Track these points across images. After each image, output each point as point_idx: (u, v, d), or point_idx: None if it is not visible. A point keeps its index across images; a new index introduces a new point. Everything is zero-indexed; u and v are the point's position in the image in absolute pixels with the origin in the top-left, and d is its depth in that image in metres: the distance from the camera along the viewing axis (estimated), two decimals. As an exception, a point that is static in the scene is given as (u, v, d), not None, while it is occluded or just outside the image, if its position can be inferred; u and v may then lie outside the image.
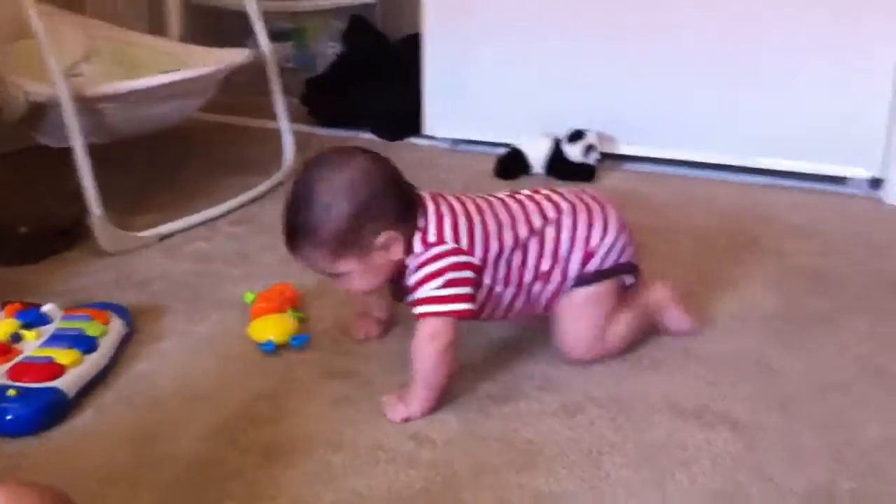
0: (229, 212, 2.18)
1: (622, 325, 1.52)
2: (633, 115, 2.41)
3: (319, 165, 1.41)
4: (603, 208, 1.52)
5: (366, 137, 2.73)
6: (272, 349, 1.57)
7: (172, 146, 2.57)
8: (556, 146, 2.38)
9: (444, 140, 2.65)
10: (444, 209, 1.44)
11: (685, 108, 2.35)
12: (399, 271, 1.43)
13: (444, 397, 1.43)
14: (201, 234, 2.07)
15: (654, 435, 1.35)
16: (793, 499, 1.22)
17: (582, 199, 1.52)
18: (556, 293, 1.50)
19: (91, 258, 1.95)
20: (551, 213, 1.49)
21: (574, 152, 2.35)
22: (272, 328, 1.59)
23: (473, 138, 2.61)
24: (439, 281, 1.39)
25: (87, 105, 2.01)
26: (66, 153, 2.04)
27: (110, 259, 1.94)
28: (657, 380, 1.49)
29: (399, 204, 1.40)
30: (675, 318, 1.59)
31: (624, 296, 1.54)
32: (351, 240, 1.37)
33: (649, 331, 1.58)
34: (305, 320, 1.66)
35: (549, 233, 1.48)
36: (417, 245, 1.41)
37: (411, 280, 1.42)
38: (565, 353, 1.52)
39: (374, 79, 2.83)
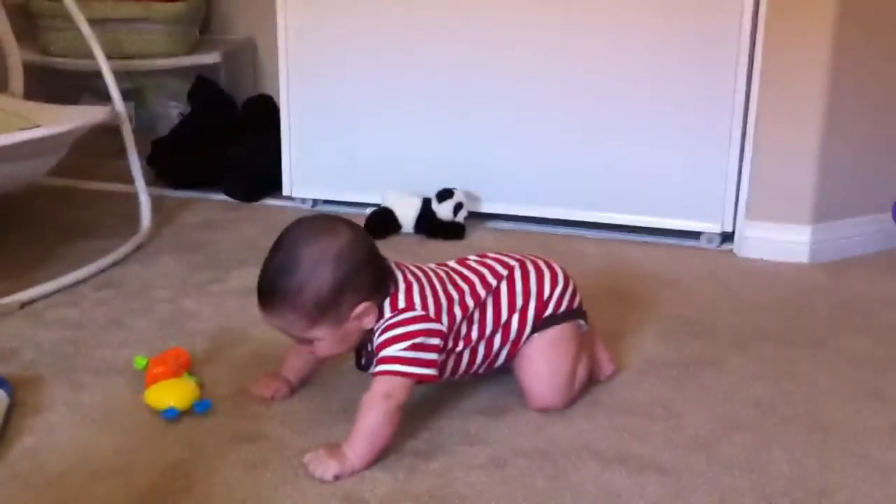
0: (90, 276, 2.05)
1: (583, 370, 1.56)
2: (494, 174, 2.45)
3: (306, 231, 1.41)
4: (546, 263, 1.58)
5: (219, 199, 2.66)
6: (175, 415, 1.48)
7: (16, 210, 2.41)
8: (425, 205, 2.39)
9: (304, 201, 2.61)
10: (412, 278, 1.46)
11: (544, 166, 2.41)
12: (366, 338, 1.44)
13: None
14: (65, 300, 1.94)
15: (585, 484, 1.36)
16: (731, 536, 1.25)
17: (525, 258, 1.58)
18: (516, 343, 1.52)
19: (-57, 328, 1.79)
20: (502, 271, 1.53)
21: (443, 211, 2.37)
22: (172, 394, 1.50)
23: (334, 198, 2.59)
24: (406, 343, 1.40)
25: (-66, 164, 1.87)
26: None
27: (-34, 328, 1.79)
28: (574, 429, 1.50)
29: (376, 276, 1.42)
30: (602, 359, 1.64)
31: (581, 340, 1.57)
32: (330, 309, 1.38)
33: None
34: (202, 385, 1.58)
35: (504, 288, 1.52)
36: (387, 310, 1.42)
37: (377, 341, 1.42)
38: (534, 401, 1.53)
39: (223, 139, 2.76)
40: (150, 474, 1.35)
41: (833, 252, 2.27)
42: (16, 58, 2.41)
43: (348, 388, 1.58)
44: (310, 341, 1.44)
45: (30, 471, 1.35)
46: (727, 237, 2.36)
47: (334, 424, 1.49)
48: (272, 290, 1.39)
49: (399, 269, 1.48)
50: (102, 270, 2.09)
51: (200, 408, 1.50)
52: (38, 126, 2.01)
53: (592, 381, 1.62)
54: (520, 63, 2.37)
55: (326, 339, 1.42)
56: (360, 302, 1.40)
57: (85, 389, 1.58)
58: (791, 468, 1.41)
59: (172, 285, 2.03)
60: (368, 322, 1.42)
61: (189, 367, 1.60)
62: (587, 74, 2.34)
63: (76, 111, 2.22)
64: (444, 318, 1.45)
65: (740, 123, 2.27)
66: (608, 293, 2.02)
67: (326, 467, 1.35)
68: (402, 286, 1.44)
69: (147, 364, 1.58)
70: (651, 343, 1.81)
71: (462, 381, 1.58)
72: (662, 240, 2.38)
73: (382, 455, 1.40)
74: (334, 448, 1.38)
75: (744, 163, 2.29)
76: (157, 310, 1.91)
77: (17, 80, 2.40)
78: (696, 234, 2.38)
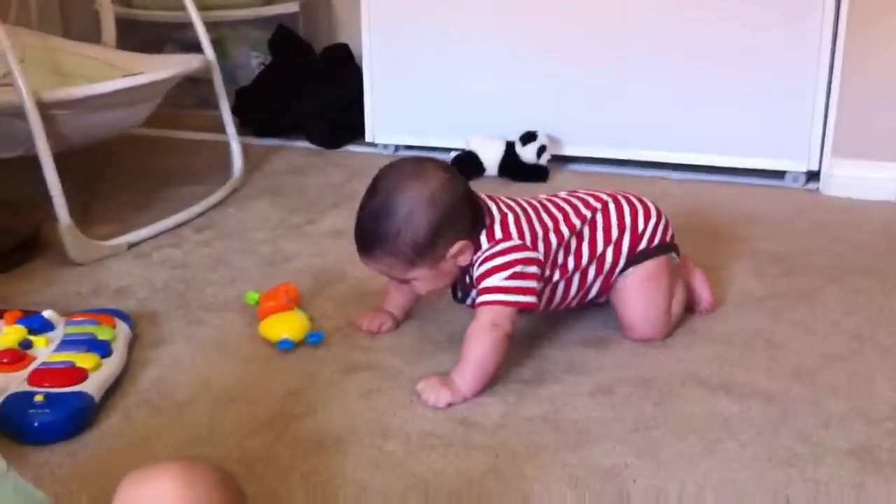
0: (190, 219, 2.12)
1: (677, 303, 1.59)
2: (578, 117, 2.47)
3: (398, 175, 1.44)
4: (638, 198, 1.60)
5: (301, 146, 2.72)
6: (290, 347, 1.54)
7: (112, 158, 2.48)
8: (508, 148, 2.41)
9: (386, 146, 2.65)
10: (506, 209, 1.49)
11: (626, 108, 2.43)
12: (463, 272, 1.47)
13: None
14: (169, 242, 2.01)
15: (691, 409, 1.39)
16: (840, 456, 1.28)
17: (617, 193, 1.60)
18: (609, 277, 1.55)
19: (58, 268, 1.87)
20: (596, 204, 1.56)
21: (527, 154, 2.40)
22: (286, 326, 1.56)
23: (415, 144, 2.62)
24: (506, 273, 1.43)
25: (42, 112, 1.93)
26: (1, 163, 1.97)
27: (79, 269, 1.86)
28: (675, 359, 1.53)
29: (471, 214, 1.45)
30: (702, 289, 1.67)
31: (675, 273, 1.59)
32: (427, 250, 1.42)
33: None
34: (311, 319, 1.63)
35: (599, 219, 1.55)
36: (484, 242, 1.45)
37: (477, 272, 1.45)
38: (633, 333, 1.57)
39: (305, 87, 2.81)
40: (272, 401, 1.41)
41: (921, 189, 2.27)
42: (108, 9, 2.47)
43: (449, 321, 1.63)
44: (408, 281, 1.48)
45: (158, 398, 1.42)
46: (812, 176, 2.36)
47: (440, 354, 1.53)
48: (370, 237, 1.43)
49: (493, 201, 1.51)
50: (201, 214, 2.15)
51: (313, 339, 1.56)
52: (139, 74, 2.06)
53: (690, 312, 1.65)
54: (602, 4, 2.37)
55: (424, 279, 1.47)
56: (455, 241, 1.43)
57: (201, 324, 1.64)
58: (894, 394, 1.43)
59: (269, 227, 2.09)
60: (464, 259, 1.45)
61: (299, 302, 1.65)
62: (670, 14, 2.34)
63: (171, 59, 2.28)
64: (541, 246, 1.48)
65: (827, 59, 2.25)
66: (695, 231, 2.04)
67: (439, 395, 1.40)
68: (497, 218, 1.47)
69: (259, 299, 1.63)
70: (743, 278, 1.83)
71: (558, 315, 1.62)
72: (746, 179, 2.39)
73: (490, 383, 1.44)
74: (445, 377, 1.42)
75: (830, 100, 2.28)
76: (258, 250, 1.97)
77: (109, 31, 2.46)
78: (780, 174, 2.38)
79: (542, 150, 2.40)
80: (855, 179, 2.27)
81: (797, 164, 2.35)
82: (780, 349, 1.56)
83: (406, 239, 1.40)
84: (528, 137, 2.40)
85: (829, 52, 2.25)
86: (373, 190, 1.45)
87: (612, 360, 1.53)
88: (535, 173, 2.40)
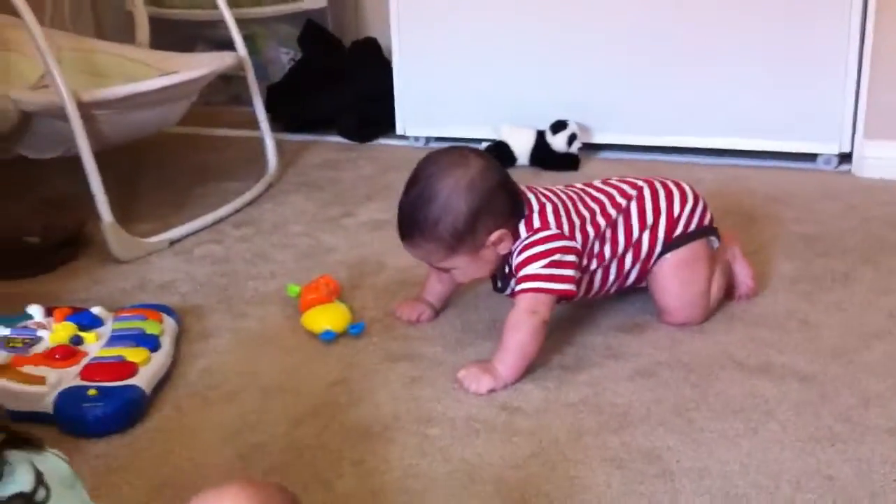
0: (229, 215, 2.15)
1: (716, 287, 1.61)
2: (608, 105, 2.48)
3: (438, 164, 1.47)
4: (675, 182, 1.62)
5: (333, 140, 2.74)
6: (332, 338, 1.57)
7: (148, 156, 2.52)
8: (539, 137, 2.43)
9: (417, 139, 2.68)
10: (545, 200, 1.52)
11: (656, 94, 2.43)
12: (503, 261, 1.50)
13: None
14: (209, 238, 2.04)
15: (731, 391, 1.41)
16: (880, 434, 1.29)
17: (653, 179, 1.62)
18: (647, 263, 1.57)
19: (101, 265, 1.91)
20: (631, 192, 1.58)
21: (558, 142, 2.41)
22: (328, 317, 1.59)
23: (445, 135, 2.64)
24: (545, 261, 1.46)
25: (82, 112, 1.96)
26: (38, 164, 2.01)
27: (123, 266, 1.90)
28: (712, 342, 1.55)
29: (509, 202, 1.48)
30: (742, 273, 1.68)
31: (714, 257, 1.61)
32: (467, 237, 1.44)
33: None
34: (352, 310, 1.66)
35: (634, 207, 1.57)
36: (523, 231, 1.48)
37: (515, 261, 1.48)
38: (670, 317, 1.59)
39: (335, 82, 2.83)
40: (318, 390, 1.44)
41: (954, 168, 2.27)
42: (141, 10, 2.51)
43: (488, 310, 1.65)
44: (448, 269, 1.51)
45: (207, 389, 1.45)
46: (844, 158, 2.36)
47: (480, 342, 1.56)
48: (411, 224, 1.46)
49: (531, 192, 1.53)
50: (238, 210, 2.19)
51: (355, 329, 1.59)
52: (175, 72, 2.09)
53: (730, 298, 1.66)
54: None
55: (464, 266, 1.49)
56: (495, 229, 1.46)
57: (244, 317, 1.68)
58: (932, 374, 1.44)
59: (306, 221, 2.12)
60: (504, 247, 1.48)
61: (339, 294, 1.68)
62: (705, 9, 2.34)
63: (205, 57, 2.31)
64: (578, 236, 1.50)
65: (857, 42, 2.25)
66: (729, 215, 2.04)
67: (481, 382, 1.43)
68: (535, 207, 1.50)
69: (300, 291, 1.66)
70: (778, 261, 1.84)
71: (595, 302, 1.64)
72: (778, 163, 2.39)
73: (530, 370, 1.47)
74: (486, 364, 1.45)
75: (862, 81, 2.28)
76: (297, 244, 2.00)
77: (143, 31, 2.49)
78: (812, 157, 2.38)
79: (572, 138, 2.41)
80: (887, 160, 2.27)
81: (829, 147, 2.35)
82: (817, 330, 1.58)
83: (446, 225, 1.43)
84: (559, 126, 2.42)
85: (858, 33, 2.25)
86: (414, 178, 1.48)
87: (649, 345, 1.55)
88: (567, 162, 2.42)
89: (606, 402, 1.39)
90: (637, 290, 1.65)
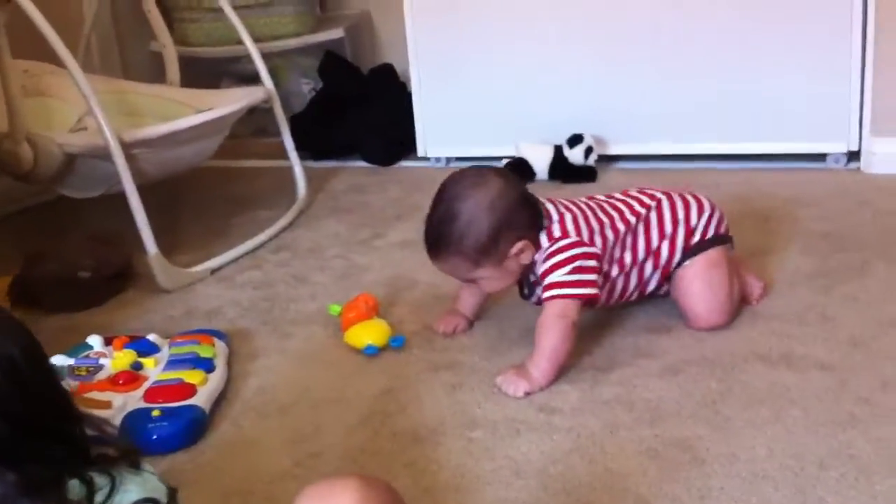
0: (265, 242, 2.25)
1: (736, 289, 1.69)
2: (621, 116, 2.57)
3: (461, 184, 1.57)
4: (692, 194, 1.71)
5: (358, 165, 2.84)
6: (375, 352, 1.66)
7: (185, 190, 2.62)
8: (557, 152, 2.52)
9: (438, 160, 2.77)
10: (564, 210, 1.61)
11: (668, 104, 2.52)
12: (527, 270, 1.58)
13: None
14: (249, 264, 2.14)
15: (755, 382, 1.49)
16: (899, 416, 1.37)
17: (671, 190, 1.71)
18: (666, 270, 1.66)
19: (149, 296, 2.00)
20: (650, 202, 1.67)
21: (575, 156, 2.50)
22: (370, 333, 1.68)
23: (466, 154, 2.73)
24: (568, 268, 1.55)
25: (124, 152, 2.06)
26: (81, 203, 2.15)
27: (170, 295, 2.00)
28: (735, 338, 1.63)
29: (529, 215, 1.57)
30: (750, 281, 1.76)
31: (733, 262, 1.70)
32: (490, 250, 1.54)
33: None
34: (391, 325, 1.75)
35: (653, 216, 1.66)
36: (545, 241, 1.57)
37: (540, 269, 1.57)
38: (699, 322, 1.66)
39: (356, 109, 2.93)
40: (366, 400, 1.53)
41: (962, 161, 2.35)
42: (171, 50, 2.61)
43: (520, 318, 1.74)
44: (475, 280, 1.60)
45: (262, 404, 1.55)
46: (853, 156, 2.44)
47: (515, 350, 1.65)
48: (437, 240, 1.57)
49: (551, 203, 1.63)
50: (274, 237, 2.28)
51: (396, 343, 1.68)
52: (210, 109, 2.20)
53: (745, 304, 1.73)
54: (638, 2, 2.48)
55: (490, 277, 1.59)
56: (517, 241, 1.55)
57: (290, 337, 1.77)
58: (948, 357, 1.52)
59: (339, 244, 2.22)
60: (526, 257, 1.57)
61: (378, 311, 1.77)
62: (703, 7, 2.43)
63: (235, 93, 2.41)
64: (598, 241, 1.59)
65: (860, 40, 2.34)
66: (746, 217, 2.13)
67: (517, 386, 1.52)
68: (555, 218, 1.59)
69: (341, 310, 1.76)
70: (796, 258, 1.92)
71: (621, 307, 1.72)
72: (789, 164, 2.47)
73: (563, 371, 1.55)
74: (521, 368, 1.54)
75: (866, 80, 2.36)
76: (333, 266, 2.09)
77: (173, 70, 2.60)
78: (821, 157, 2.46)
79: (589, 151, 2.50)
80: (895, 156, 2.35)
81: (838, 146, 2.43)
82: (835, 321, 1.66)
83: (470, 241, 1.53)
84: (575, 140, 2.51)
85: (860, 35, 2.33)
86: (438, 199, 1.58)
87: (676, 344, 1.63)
88: (584, 174, 2.51)
89: (638, 399, 1.48)
90: (661, 296, 1.73)
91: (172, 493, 0.89)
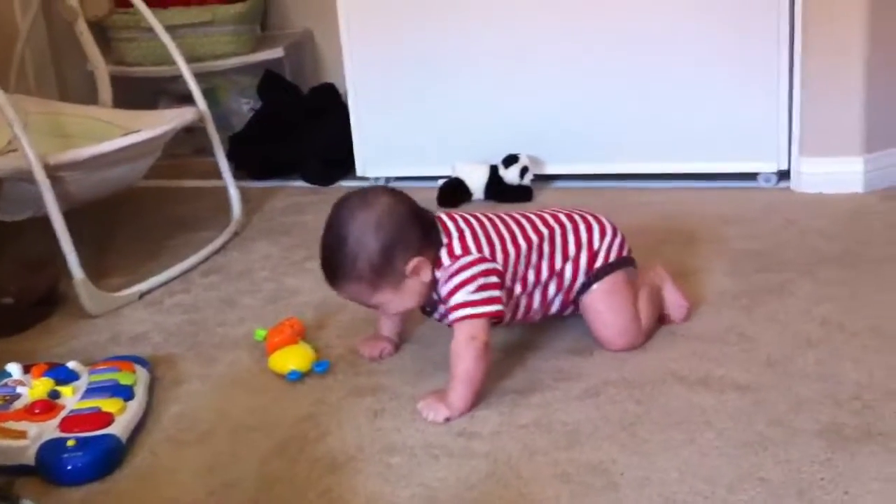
0: (197, 265, 2.24)
1: (643, 313, 1.69)
2: (556, 137, 2.59)
3: (347, 207, 1.55)
4: (594, 216, 1.71)
5: (297, 185, 2.83)
6: (298, 377, 1.65)
7: (119, 211, 2.60)
8: (492, 172, 2.53)
9: (377, 179, 2.77)
10: (463, 225, 1.60)
11: (602, 124, 2.55)
12: (430, 288, 1.57)
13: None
14: (178, 287, 2.13)
15: (672, 404, 1.51)
16: (808, 437, 1.39)
17: (573, 212, 1.72)
18: (569, 292, 1.66)
19: (75, 321, 1.98)
20: (553, 223, 1.68)
21: (510, 175, 2.52)
22: (293, 358, 1.68)
23: (406, 174, 2.74)
24: (472, 286, 1.54)
25: (49, 175, 2.04)
26: (12, 226, 2.13)
27: (96, 320, 1.98)
28: (656, 359, 1.65)
29: (421, 231, 1.55)
30: (673, 296, 1.76)
31: (635, 284, 1.71)
32: (385, 271, 1.52)
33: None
34: (317, 349, 1.75)
35: (557, 237, 1.66)
36: (445, 259, 1.56)
37: (444, 290, 1.56)
38: (611, 345, 1.67)
39: (296, 128, 2.93)
40: (287, 427, 1.53)
41: (887, 179, 2.39)
42: (103, 71, 2.60)
43: (446, 340, 1.71)
44: (379, 305, 1.60)
45: (180, 432, 1.54)
46: (783, 176, 2.48)
47: (440, 373, 1.64)
48: (332, 268, 1.56)
49: (450, 218, 1.62)
50: (206, 259, 2.27)
51: (320, 368, 1.68)
52: (139, 131, 2.18)
53: (668, 323, 1.75)
54: (567, 23, 2.50)
55: (392, 300, 1.57)
56: (410, 258, 1.53)
57: (214, 362, 1.76)
58: (860, 376, 1.54)
59: (271, 266, 2.21)
60: (426, 275, 1.55)
61: (304, 335, 1.77)
62: (632, 29, 2.46)
63: (167, 114, 2.40)
64: (499, 256, 1.58)
65: (787, 63, 2.38)
66: (675, 236, 2.16)
67: (437, 412, 1.52)
68: (454, 234, 1.58)
69: (266, 335, 1.75)
70: (720, 277, 1.95)
71: (545, 327, 1.73)
72: (721, 184, 2.51)
73: (484, 393, 1.56)
74: (442, 393, 1.54)
75: (793, 101, 2.40)
76: (263, 288, 2.09)
77: (105, 91, 2.59)
78: (752, 176, 2.50)
79: (524, 171, 2.52)
80: (822, 175, 2.39)
81: (768, 165, 2.47)
82: (754, 342, 1.68)
83: (363, 263, 1.51)
84: (510, 160, 2.53)
85: (787, 58, 2.37)
86: (327, 226, 1.57)
87: (597, 366, 1.64)
88: (520, 194, 2.52)
89: (557, 422, 1.48)
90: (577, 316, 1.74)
91: None
